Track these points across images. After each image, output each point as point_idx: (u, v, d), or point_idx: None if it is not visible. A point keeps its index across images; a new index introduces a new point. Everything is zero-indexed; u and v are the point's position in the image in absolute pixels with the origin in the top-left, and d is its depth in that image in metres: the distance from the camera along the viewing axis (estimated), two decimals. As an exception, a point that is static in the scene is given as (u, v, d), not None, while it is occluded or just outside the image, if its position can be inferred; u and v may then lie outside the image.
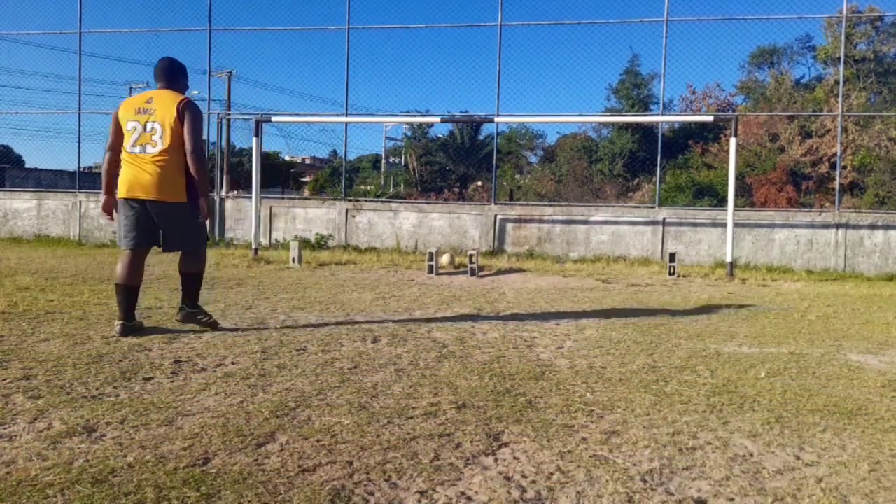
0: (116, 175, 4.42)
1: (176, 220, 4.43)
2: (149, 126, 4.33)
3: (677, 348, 4.62)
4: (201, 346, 4.28)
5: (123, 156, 4.39)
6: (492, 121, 12.24)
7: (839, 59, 15.78)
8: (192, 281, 4.71)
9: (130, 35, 15.39)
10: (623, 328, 5.37)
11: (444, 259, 9.75)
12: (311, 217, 12.75)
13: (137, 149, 4.34)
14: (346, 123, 13.10)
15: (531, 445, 2.69)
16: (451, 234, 12.11)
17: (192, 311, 4.75)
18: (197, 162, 4.34)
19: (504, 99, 14.60)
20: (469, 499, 2.21)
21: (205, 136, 4.90)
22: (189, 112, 4.36)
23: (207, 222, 4.67)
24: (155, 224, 4.43)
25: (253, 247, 10.49)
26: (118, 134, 4.41)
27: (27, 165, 30.79)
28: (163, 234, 4.45)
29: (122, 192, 4.37)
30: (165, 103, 4.38)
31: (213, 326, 4.75)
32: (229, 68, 29.40)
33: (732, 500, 2.26)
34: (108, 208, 4.52)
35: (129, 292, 4.50)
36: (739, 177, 15.77)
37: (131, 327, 4.47)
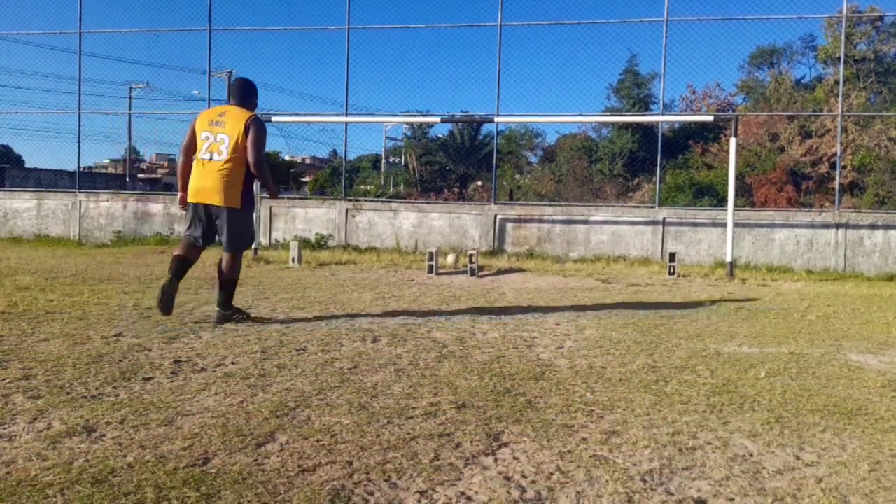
0: (188, 176, 4.99)
1: (226, 222, 4.93)
2: (218, 137, 4.84)
3: (677, 348, 4.62)
4: (201, 346, 4.28)
5: (195, 161, 4.94)
6: (492, 121, 12.24)
7: (839, 59, 15.78)
8: (226, 284, 5.13)
9: (130, 35, 15.41)
10: (623, 328, 5.37)
11: (450, 259, 9.75)
12: (311, 217, 12.74)
13: (206, 155, 4.88)
14: (346, 123, 13.10)
15: (531, 445, 2.69)
16: (451, 234, 12.11)
17: (224, 312, 5.11)
18: (260, 171, 4.90)
19: (504, 99, 14.62)
20: (469, 499, 2.21)
21: None
22: (254, 128, 4.85)
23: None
24: (212, 224, 4.99)
25: (253, 247, 10.50)
26: (192, 140, 4.97)
27: (27, 165, 30.81)
28: (217, 231, 5.04)
29: (190, 195, 4.98)
30: (235, 118, 4.88)
31: (248, 318, 5.20)
32: (229, 68, 29.40)
33: (732, 500, 2.26)
34: (184, 203, 5.12)
35: (181, 262, 5.00)
36: (739, 177, 15.78)
37: (172, 288, 4.88)
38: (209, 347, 4.26)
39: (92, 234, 13.55)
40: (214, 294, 5.34)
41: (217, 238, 5.04)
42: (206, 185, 4.84)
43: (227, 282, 5.08)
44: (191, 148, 4.97)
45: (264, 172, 4.92)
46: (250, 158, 4.79)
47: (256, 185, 6.48)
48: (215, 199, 4.85)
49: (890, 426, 3.04)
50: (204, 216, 4.94)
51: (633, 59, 22.85)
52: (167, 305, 4.82)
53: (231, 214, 4.88)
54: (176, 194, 5.36)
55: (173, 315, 5.17)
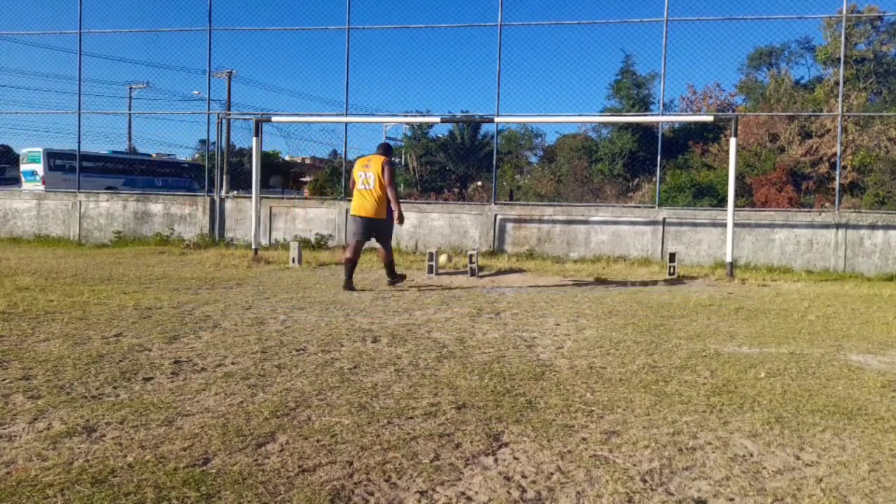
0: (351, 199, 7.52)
1: (378, 227, 7.48)
2: (368, 175, 7.35)
3: (677, 348, 4.62)
4: (201, 346, 4.28)
5: (356, 190, 7.43)
6: (492, 121, 12.24)
7: (839, 59, 15.78)
8: (387, 265, 7.74)
9: (130, 35, 15.42)
10: (623, 328, 5.37)
11: (442, 258, 9.77)
12: (311, 217, 12.75)
13: (362, 187, 7.38)
14: (346, 123, 13.10)
15: (531, 445, 2.69)
16: (451, 234, 12.11)
17: (392, 279, 7.78)
18: (391, 195, 7.34)
19: (504, 99, 14.60)
20: (469, 499, 2.21)
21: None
22: (387, 168, 7.37)
23: (396, 225, 7.56)
24: (367, 229, 7.43)
25: (253, 247, 10.49)
26: (353, 178, 7.51)
27: (27, 165, 30.75)
28: (374, 235, 7.50)
29: (353, 211, 7.50)
30: (376, 163, 7.38)
31: (403, 278, 7.90)
32: (229, 68, 29.43)
33: (732, 500, 2.26)
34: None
35: (352, 263, 7.36)
36: (739, 177, 15.78)
37: (350, 285, 7.23)
38: (209, 347, 4.26)
39: (92, 234, 13.55)
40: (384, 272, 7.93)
41: (375, 236, 7.52)
42: (364, 205, 7.36)
43: (387, 263, 7.70)
44: (354, 184, 7.48)
45: (395, 195, 7.38)
46: (387, 186, 7.28)
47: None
48: (370, 214, 7.33)
49: (890, 426, 3.04)
50: (361, 223, 7.38)
51: (629, 60, 22.83)
52: (352, 290, 7.17)
53: (380, 222, 7.41)
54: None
55: (174, 315, 5.22)
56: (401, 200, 7.83)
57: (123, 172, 26.69)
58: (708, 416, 3.13)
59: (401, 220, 7.41)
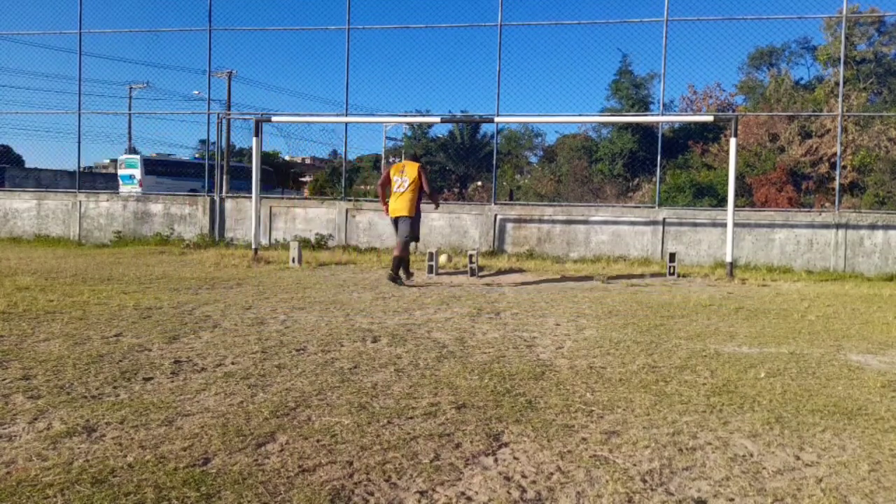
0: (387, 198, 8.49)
1: (406, 224, 8.25)
2: (403, 180, 8.28)
3: (677, 348, 4.62)
4: (201, 346, 4.28)
5: (392, 192, 8.34)
6: (492, 121, 12.24)
7: (839, 59, 15.78)
8: (403, 259, 8.29)
9: (130, 35, 15.41)
10: (623, 328, 5.37)
11: (442, 258, 9.79)
12: (311, 217, 12.74)
13: (397, 189, 8.28)
14: (346, 123, 13.10)
15: (531, 445, 2.69)
16: (451, 234, 12.11)
17: (407, 275, 8.41)
18: (432, 194, 8.46)
19: (504, 99, 14.62)
20: (469, 499, 2.21)
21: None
22: (423, 171, 8.37)
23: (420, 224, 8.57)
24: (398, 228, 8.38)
25: (253, 247, 10.49)
26: (387, 180, 8.51)
27: (27, 165, 30.83)
28: (399, 231, 8.33)
29: (391, 213, 8.38)
30: (412, 169, 8.32)
31: (410, 276, 8.50)
32: (229, 68, 29.42)
33: (732, 500, 2.26)
34: (387, 211, 8.47)
35: (401, 260, 8.18)
36: (739, 177, 15.77)
37: (396, 278, 7.98)
38: (209, 347, 4.26)
39: (92, 234, 13.55)
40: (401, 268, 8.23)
41: (398, 231, 8.38)
42: (398, 206, 8.24)
43: (402, 259, 8.28)
44: (386, 183, 8.49)
45: (435, 193, 8.73)
46: (426, 189, 8.28)
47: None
48: (403, 213, 8.22)
49: (890, 426, 3.04)
50: (397, 223, 8.34)
51: (626, 60, 22.82)
52: (397, 282, 7.97)
53: (408, 220, 8.26)
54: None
55: (174, 315, 5.25)
56: None
57: (202, 176, 28.54)
58: (708, 416, 3.13)
59: (437, 206, 9.07)
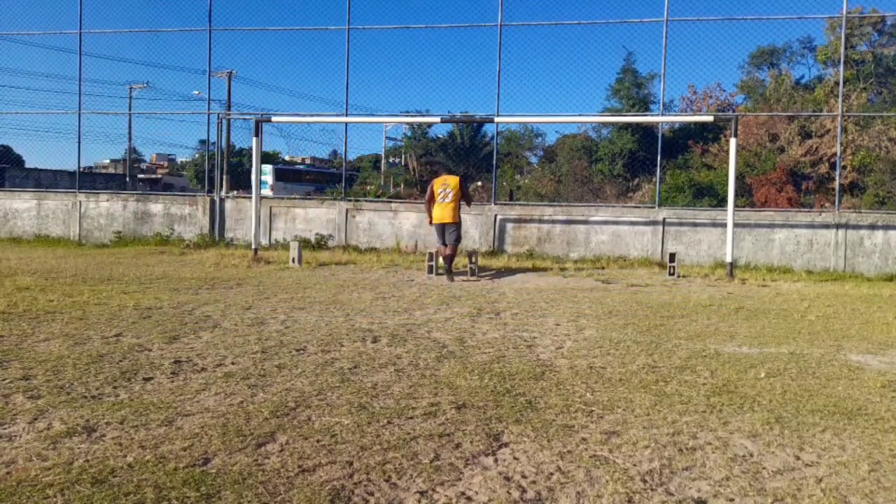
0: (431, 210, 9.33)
1: (449, 230, 9.08)
2: (447, 191, 9.15)
3: (677, 348, 4.62)
4: (201, 346, 4.28)
5: (435, 204, 9.19)
6: (492, 121, 12.24)
7: (839, 59, 15.78)
8: (448, 258, 8.95)
9: (130, 35, 15.41)
10: (623, 328, 5.37)
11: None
12: (311, 217, 12.74)
13: (441, 200, 9.16)
14: (346, 123, 13.10)
15: (531, 445, 2.69)
16: (451, 235, 12.11)
17: (450, 273, 8.78)
18: (469, 201, 9.64)
19: (504, 99, 14.60)
20: (469, 499, 2.21)
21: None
22: (463, 183, 9.44)
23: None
24: (443, 232, 9.11)
25: (253, 247, 10.49)
26: (432, 195, 9.30)
27: (27, 165, 30.82)
28: (445, 236, 9.10)
29: (434, 220, 9.23)
30: (454, 181, 9.26)
31: (462, 274, 9.26)
32: (229, 68, 29.44)
33: (732, 500, 2.26)
34: (431, 221, 9.39)
35: (452, 259, 8.92)
36: (739, 177, 15.76)
37: (450, 272, 8.80)
38: (209, 347, 4.26)
39: (92, 234, 13.55)
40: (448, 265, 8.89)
41: (447, 237, 9.16)
42: (443, 214, 9.11)
43: (449, 258, 8.96)
44: (431, 197, 9.29)
45: (469, 201, 9.73)
46: (465, 198, 9.37)
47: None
48: (449, 220, 9.09)
49: (890, 426, 3.04)
50: (440, 229, 9.13)
51: (630, 58, 22.80)
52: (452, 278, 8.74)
53: (455, 226, 9.13)
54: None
55: (174, 315, 5.26)
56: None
57: (316, 181, 33.97)
58: (708, 416, 3.13)
59: (469, 206, 10.24)
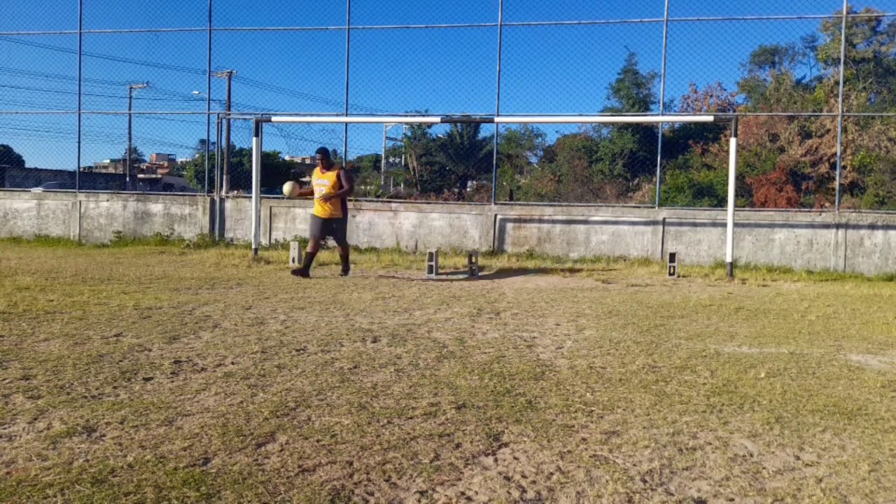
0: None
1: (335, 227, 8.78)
2: (321, 182, 8.70)
3: (677, 348, 4.62)
4: (201, 346, 4.28)
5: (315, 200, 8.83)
6: (492, 121, 12.24)
7: (839, 59, 15.78)
8: (345, 257, 8.86)
9: (130, 35, 15.39)
10: (623, 328, 5.37)
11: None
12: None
13: (317, 195, 8.75)
14: (346, 123, 13.10)
15: (531, 445, 2.69)
16: (451, 234, 12.11)
17: (345, 270, 8.78)
18: (349, 193, 9.21)
19: (504, 99, 14.56)
20: (469, 499, 2.21)
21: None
22: (343, 174, 8.82)
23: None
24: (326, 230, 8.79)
25: (253, 247, 10.49)
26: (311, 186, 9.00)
27: (27, 165, 30.84)
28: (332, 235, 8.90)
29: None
30: (331, 172, 8.77)
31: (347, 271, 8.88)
32: (229, 68, 29.44)
33: (732, 500, 2.26)
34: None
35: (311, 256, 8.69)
36: (739, 177, 15.76)
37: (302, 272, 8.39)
38: (209, 347, 4.26)
39: (92, 234, 13.54)
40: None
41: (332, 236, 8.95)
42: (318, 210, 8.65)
43: (344, 257, 8.90)
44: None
45: (350, 193, 9.29)
46: (344, 189, 8.72)
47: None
48: (327, 215, 8.65)
49: (890, 426, 3.04)
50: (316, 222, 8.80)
51: (632, 58, 22.81)
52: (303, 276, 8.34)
53: (336, 222, 8.72)
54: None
55: (174, 315, 5.26)
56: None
57: None
58: (708, 416, 3.13)
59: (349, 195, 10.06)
